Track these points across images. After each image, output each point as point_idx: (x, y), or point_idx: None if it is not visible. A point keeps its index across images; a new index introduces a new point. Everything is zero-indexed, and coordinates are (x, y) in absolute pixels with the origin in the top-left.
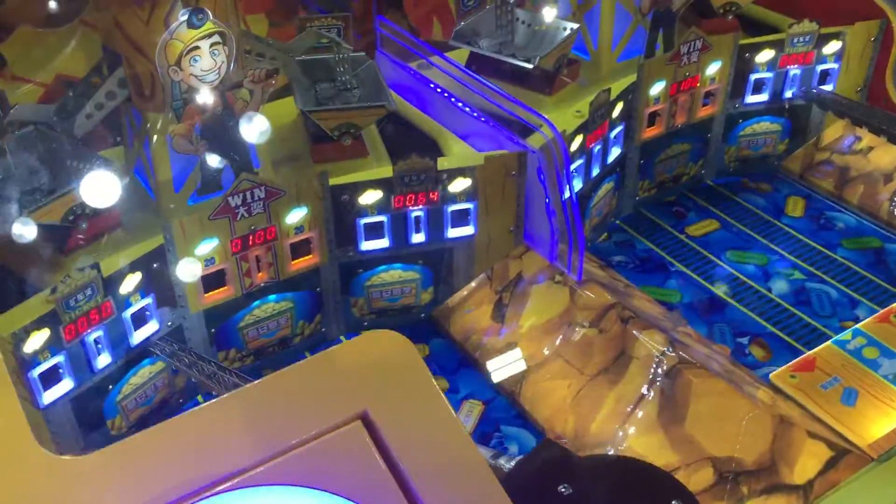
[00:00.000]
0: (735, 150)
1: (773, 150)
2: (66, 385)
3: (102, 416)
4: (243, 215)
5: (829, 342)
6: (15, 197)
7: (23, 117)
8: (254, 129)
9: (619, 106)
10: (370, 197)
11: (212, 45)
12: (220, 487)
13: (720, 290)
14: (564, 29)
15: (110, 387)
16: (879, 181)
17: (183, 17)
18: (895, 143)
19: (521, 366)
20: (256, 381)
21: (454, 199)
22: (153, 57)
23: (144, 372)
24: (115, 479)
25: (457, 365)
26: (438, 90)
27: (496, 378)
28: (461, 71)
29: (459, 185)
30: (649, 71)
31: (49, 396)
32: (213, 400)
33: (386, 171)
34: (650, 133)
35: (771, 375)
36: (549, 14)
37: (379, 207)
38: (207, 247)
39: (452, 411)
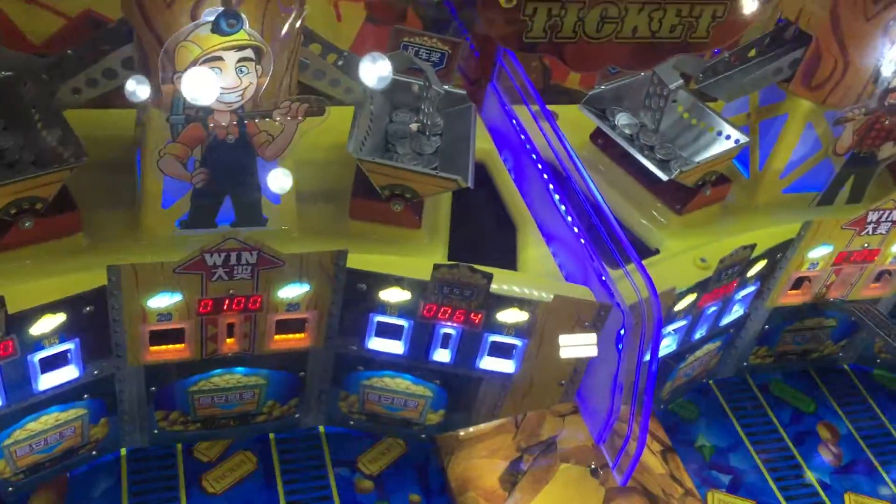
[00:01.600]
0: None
1: None
2: None
3: None
4: (221, 277)
5: None
6: None
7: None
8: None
9: (760, 264)
10: (394, 295)
11: (240, 61)
12: None
13: None
14: (728, 138)
15: None
16: None
17: (209, 16)
18: None
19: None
20: None
21: (501, 329)
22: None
23: (49, 419)
24: None
25: None
26: (540, 165)
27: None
28: (567, 154)
29: (512, 316)
30: (816, 231)
31: None
32: None
33: (424, 268)
34: (790, 299)
35: None
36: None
37: (402, 310)
38: (165, 300)
39: None
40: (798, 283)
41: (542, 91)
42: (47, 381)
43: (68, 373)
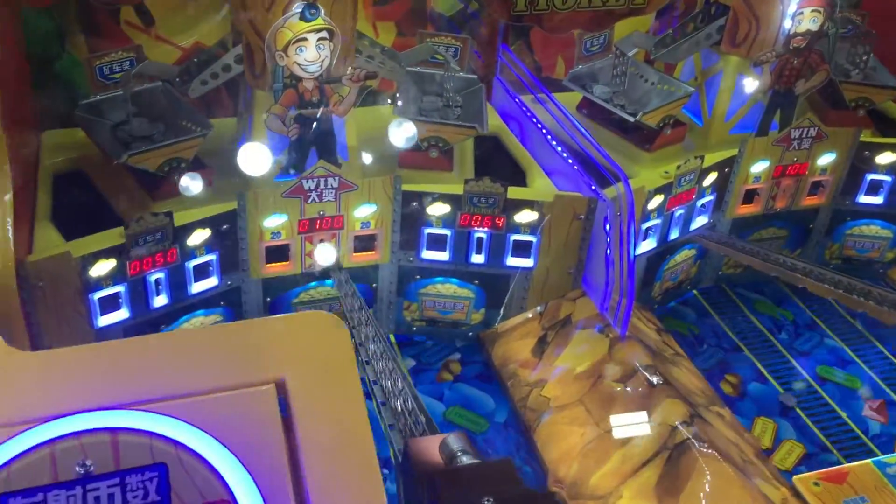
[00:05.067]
0: (838, 248)
1: (879, 257)
2: (121, 314)
3: None
4: (314, 199)
5: (869, 460)
6: (127, 139)
7: (149, 72)
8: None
9: (712, 175)
10: (438, 209)
11: (319, 40)
12: (126, 406)
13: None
14: (679, 91)
15: (162, 326)
16: None
17: (297, 9)
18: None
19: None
20: (200, 328)
21: (518, 228)
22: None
23: (196, 321)
24: (47, 379)
25: (490, 387)
26: (539, 125)
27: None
28: (564, 115)
29: (525, 216)
30: (753, 148)
31: (104, 320)
32: (161, 334)
33: (457, 187)
34: (745, 210)
35: (795, 478)
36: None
37: (445, 221)
38: (276, 220)
39: (364, 404)
40: (749, 197)
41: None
42: (197, 287)
43: (210, 282)
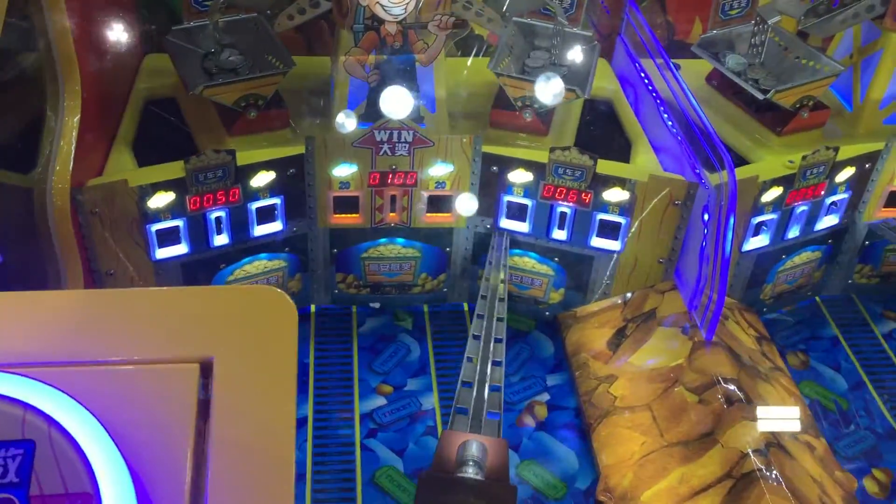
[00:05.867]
0: None
1: None
2: (180, 248)
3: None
4: (386, 152)
5: None
6: (213, 70)
7: (241, 1)
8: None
9: (848, 171)
10: (519, 176)
11: None
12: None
13: None
14: (825, 69)
15: (222, 265)
16: None
17: None
18: None
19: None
20: (136, 289)
21: (606, 207)
22: None
23: (260, 265)
24: None
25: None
26: (654, 94)
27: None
28: (679, 85)
29: (615, 195)
30: None
31: (162, 253)
32: (79, 290)
33: (542, 154)
34: (886, 214)
35: None
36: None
37: (526, 189)
38: (345, 170)
39: (293, 401)
40: (894, 200)
41: (667, 46)
42: (260, 230)
43: (275, 226)
